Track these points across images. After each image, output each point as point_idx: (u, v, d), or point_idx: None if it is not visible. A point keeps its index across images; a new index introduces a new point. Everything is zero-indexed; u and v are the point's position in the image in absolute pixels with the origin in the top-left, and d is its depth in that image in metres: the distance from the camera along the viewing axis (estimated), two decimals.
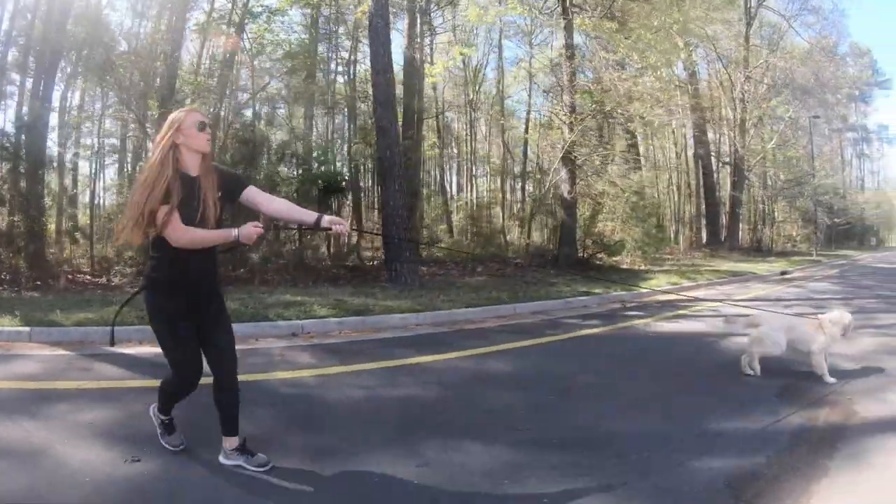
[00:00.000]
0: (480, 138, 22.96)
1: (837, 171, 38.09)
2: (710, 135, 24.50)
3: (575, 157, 13.36)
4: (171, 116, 2.48)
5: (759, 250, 23.25)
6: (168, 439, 2.78)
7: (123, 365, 4.43)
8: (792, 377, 4.47)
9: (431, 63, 19.87)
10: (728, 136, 23.27)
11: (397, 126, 11.40)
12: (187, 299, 2.53)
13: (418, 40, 17.54)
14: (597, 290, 9.93)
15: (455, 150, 23.17)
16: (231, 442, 2.63)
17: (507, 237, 17.55)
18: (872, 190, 54.50)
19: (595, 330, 7.04)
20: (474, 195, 21.03)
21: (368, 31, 11.76)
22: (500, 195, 18.73)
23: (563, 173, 13.71)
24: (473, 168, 22.56)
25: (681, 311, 8.48)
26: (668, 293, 10.03)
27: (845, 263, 22.75)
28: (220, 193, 2.53)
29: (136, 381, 4.04)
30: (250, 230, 2.41)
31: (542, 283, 10.93)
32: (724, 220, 22.47)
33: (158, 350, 2.65)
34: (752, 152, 22.77)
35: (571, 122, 13.64)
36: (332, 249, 13.23)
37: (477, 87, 22.01)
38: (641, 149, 24.77)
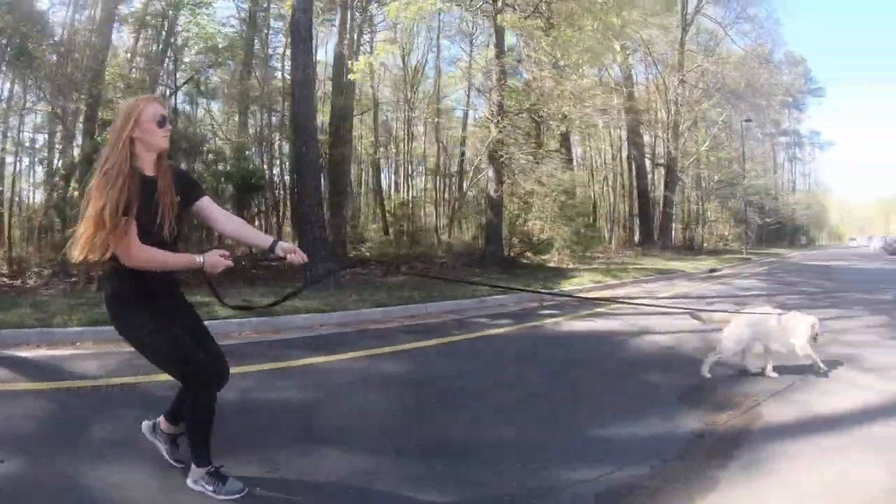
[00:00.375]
0: (419, 137, 22.72)
1: (769, 174, 39.54)
2: (647, 138, 24.99)
3: (501, 155, 13.21)
4: (127, 106, 2.12)
5: (691, 249, 23.80)
6: (228, 488, 2.31)
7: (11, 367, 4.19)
8: (698, 377, 4.26)
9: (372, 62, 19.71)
10: (662, 138, 23.73)
11: (315, 122, 11.08)
12: (163, 308, 2.26)
13: (348, 36, 17.25)
14: (516, 287, 9.77)
15: (394, 150, 22.86)
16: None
17: (441, 237, 17.36)
18: (804, 192, 57.41)
19: (502, 329, 6.79)
20: (410, 194, 20.75)
21: (290, 24, 11.35)
22: (435, 194, 18.50)
23: (490, 172, 13.55)
24: (410, 167, 22.33)
25: (598, 310, 8.32)
26: (564, 295, 9.91)
27: (775, 261, 23.38)
28: (178, 199, 2.21)
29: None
30: (217, 260, 2.17)
31: (462, 282, 10.72)
32: (657, 220, 22.88)
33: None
34: (685, 154, 23.30)
35: (498, 121, 13.50)
36: (252, 249, 12.67)
37: (415, 87, 21.76)
38: (579, 150, 25.09)
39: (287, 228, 15.36)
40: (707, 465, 2.69)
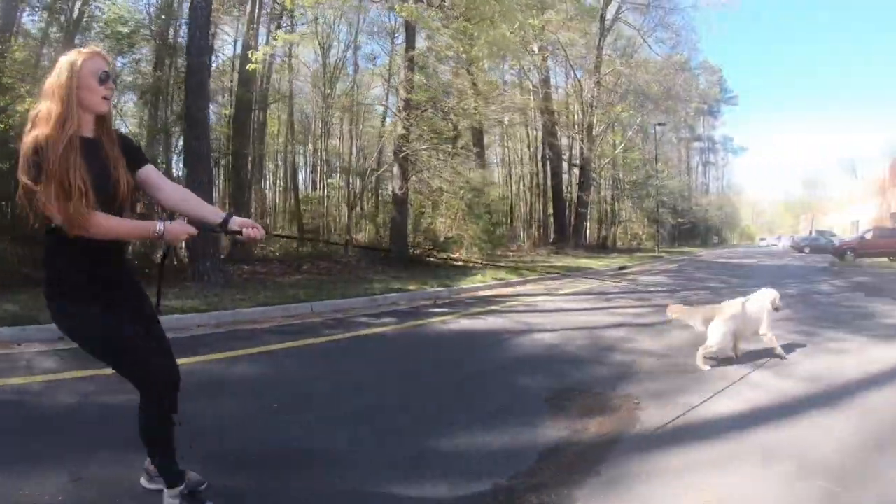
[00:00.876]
0: (336, 135, 22.08)
1: (683, 176, 41.40)
2: (565, 140, 25.42)
3: (405, 151, 12.91)
4: (65, 59, 1.84)
5: (604, 248, 24.38)
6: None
7: None
8: (574, 378, 3.97)
9: (290, 56, 18.97)
10: (577, 139, 24.20)
11: (207, 113, 10.46)
12: (108, 299, 1.96)
13: (255, 26, 16.54)
14: (411, 287, 9.49)
15: (311, 147, 22.15)
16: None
17: (356, 236, 16.90)
18: (716, 194, 60.84)
19: (383, 329, 6.43)
20: (327, 192, 20.10)
21: (189, 10, 10.66)
22: (348, 192, 18.00)
23: (395, 168, 13.22)
24: (326, 165, 21.65)
25: (492, 307, 8.11)
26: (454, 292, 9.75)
27: (685, 259, 24.26)
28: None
29: None
30: (180, 229, 1.91)
31: (362, 280, 10.36)
32: (571, 220, 23.28)
33: None
34: (601, 154, 23.86)
35: (405, 116, 13.21)
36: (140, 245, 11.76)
37: (332, 83, 21.15)
38: (499, 150, 25.19)
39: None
40: (563, 482, 2.31)
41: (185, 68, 10.63)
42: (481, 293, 9.73)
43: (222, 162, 15.53)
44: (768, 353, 4.50)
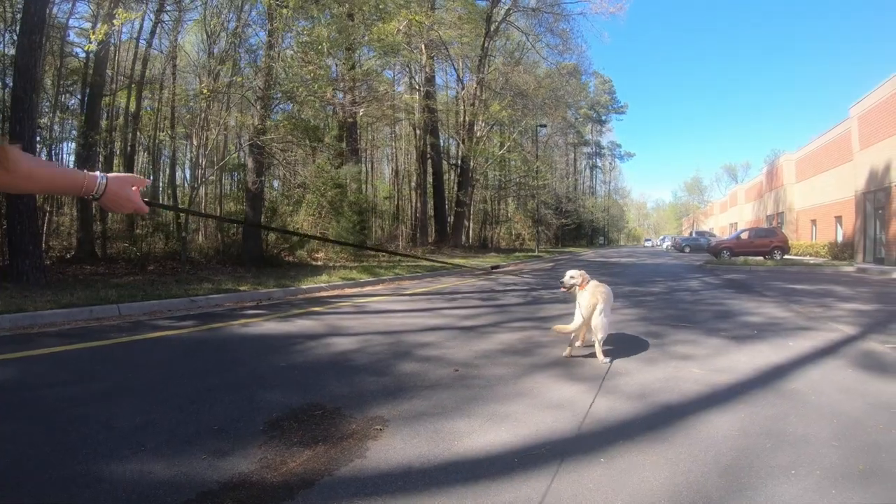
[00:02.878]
0: (215, 129, 20.70)
1: (570, 178, 43.16)
2: (451, 142, 25.57)
3: (262, 143, 12.29)
4: None
5: (485, 247, 24.74)
6: None
7: None
8: (332, 392, 3.46)
9: (178, 42, 17.50)
10: (457, 139, 24.43)
11: (34, 97, 9.46)
12: None
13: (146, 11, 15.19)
14: (243, 288, 8.98)
15: (195, 142, 20.62)
16: None
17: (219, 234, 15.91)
18: (603, 197, 64.38)
19: (179, 332, 5.82)
20: (205, 190, 18.83)
21: None
22: (218, 189, 16.99)
23: (250, 162, 12.57)
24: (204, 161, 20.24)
25: (315, 308, 7.70)
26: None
27: (565, 258, 24.77)
28: None
29: None
30: (124, 193, 1.39)
31: (201, 280, 9.77)
32: (451, 219, 23.45)
33: None
34: (481, 153, 24.13)
35: (264, 107, 12.61)
36: None
37: (215, 75, 19.80)
38: (388, 151, 24.88)
39: None
40: None
41: (16, 47, 9.66)
42: (319, 294, 9.34)
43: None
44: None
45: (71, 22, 15.36)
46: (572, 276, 4.68)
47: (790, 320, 6.51)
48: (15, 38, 10.35)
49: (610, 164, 69.84)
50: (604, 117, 65.85)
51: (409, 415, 3.02)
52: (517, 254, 23.84)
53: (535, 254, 25.21)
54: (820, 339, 5.21)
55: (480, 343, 5.05)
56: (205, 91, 11.65)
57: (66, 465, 2.34)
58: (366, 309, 7.81)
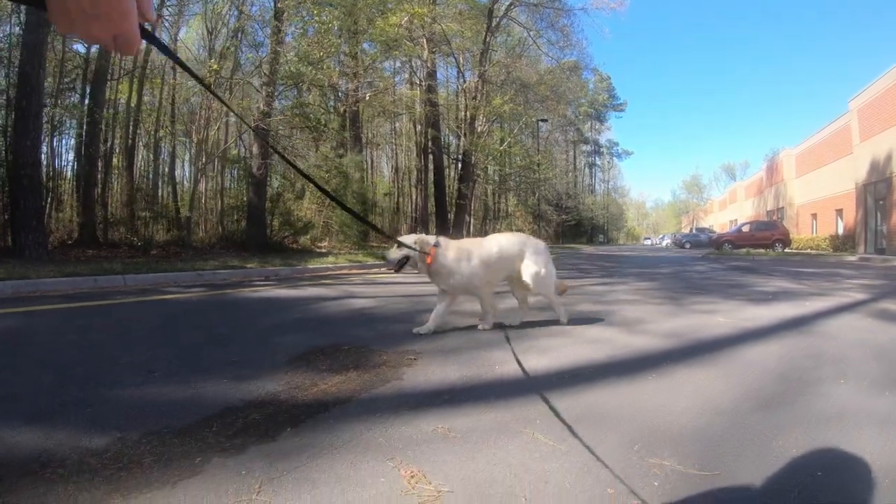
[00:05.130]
0: (215, 123, 20.65)
1: (570, 175, 43.17)
2: (451, 136, 25.50)
3: (267, 127, 12.22)
4: None
5: None
6: None
7: None
8: (356, 335, 3.30)
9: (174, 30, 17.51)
10: (459, 132, 24.39)
11: (42, 74, 9.54)
12: None
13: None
14: (250, 265, 8.94)
15: (195, 137, 20.50)
16: None
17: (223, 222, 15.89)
18: (602, 195, 64.41)
19: (187, 296, 5.73)
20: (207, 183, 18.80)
21: None
22: (221, 181, 16.93)
23: (255, 148, 12.53)
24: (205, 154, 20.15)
25: (325, 281, 7.69)
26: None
27: (566, 252, 24.49)
28: None
29: None
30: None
31: (205, 260, 9.79)
32: (452, 213, 23.39)
33: None
34: (483, 147, 24.08)
35: (269, 93, 12.58)
36: None
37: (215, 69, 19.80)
38: (387, 150, 24.83)
39: None
40: (209, 442, 1.64)
41: (24, 26, 9.73)
42: (327, 273, 9.34)
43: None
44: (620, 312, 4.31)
45: None
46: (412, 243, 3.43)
47: (802, 290, 6.53)
48: (23, 15, 10.34)
49: (608, 162, 70.00)
50: (603, 114, 65.91)
51: (443, 349, 2.92)
52: None
53: None
54: (834, 302, 5.24)
55: (504, 302, 4.65)
56: (214, 66, 11.51)
57: (68, 393, 2.16)
58: (378, 282, 7.74)
